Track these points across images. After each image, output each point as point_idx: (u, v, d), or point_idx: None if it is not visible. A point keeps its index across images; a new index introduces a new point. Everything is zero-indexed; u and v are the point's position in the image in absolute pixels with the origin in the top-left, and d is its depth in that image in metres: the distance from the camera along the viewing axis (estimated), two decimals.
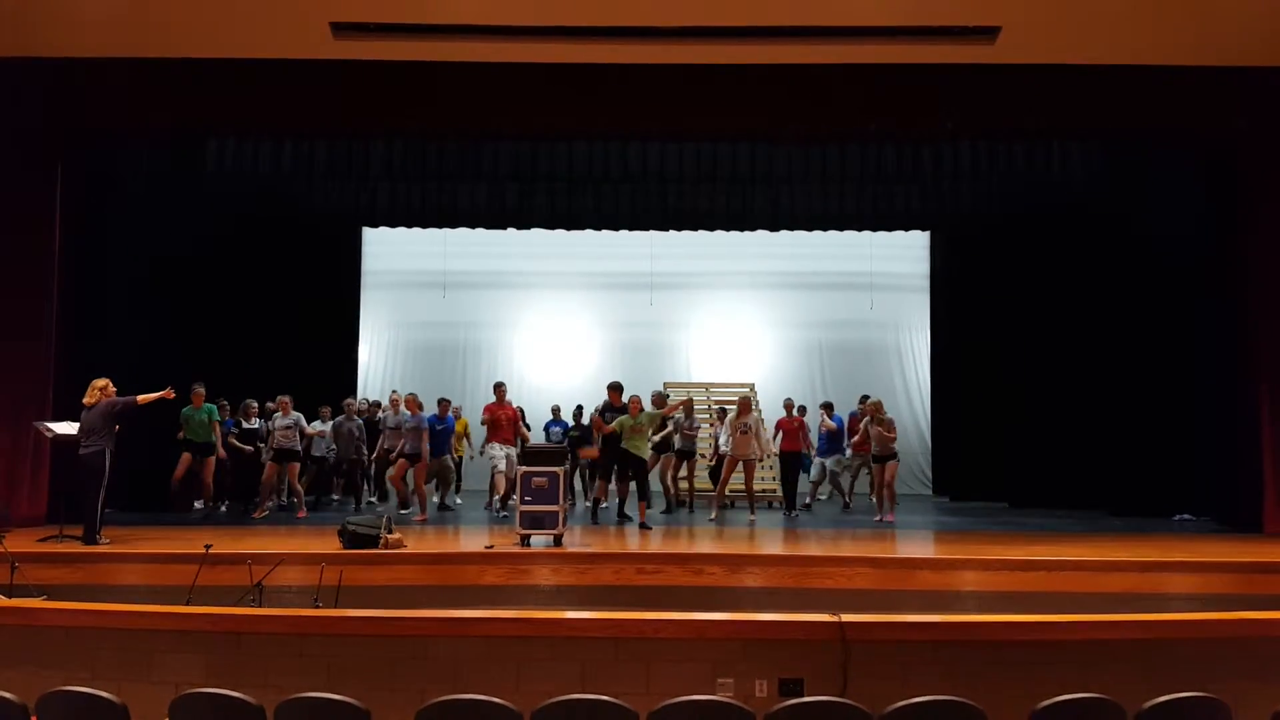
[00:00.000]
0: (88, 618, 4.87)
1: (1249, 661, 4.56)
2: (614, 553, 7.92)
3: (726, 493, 11.08)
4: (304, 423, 10.60)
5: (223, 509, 10.73)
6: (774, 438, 11.31)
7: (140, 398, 8.14)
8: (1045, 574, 7.40)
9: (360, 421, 11.30)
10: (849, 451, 12.11)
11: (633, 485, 9.94)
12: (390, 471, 10.70)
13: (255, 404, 10.97)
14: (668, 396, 11.23)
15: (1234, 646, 4.66)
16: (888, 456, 10.43)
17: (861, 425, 10.98)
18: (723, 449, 10.67)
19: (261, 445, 10.85)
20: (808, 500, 11.98)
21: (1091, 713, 3.40)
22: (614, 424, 9.62)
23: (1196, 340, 10.61)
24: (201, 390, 10.02)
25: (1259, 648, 4.67)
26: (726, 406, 11.60)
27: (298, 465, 10.60)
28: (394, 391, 11.39)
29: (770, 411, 12.39)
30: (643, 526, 9.33)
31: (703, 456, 11.97)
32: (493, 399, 10.53)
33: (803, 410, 11.94)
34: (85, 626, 4.78)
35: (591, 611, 5.39)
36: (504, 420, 10.37)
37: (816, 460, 12.16)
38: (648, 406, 10.97)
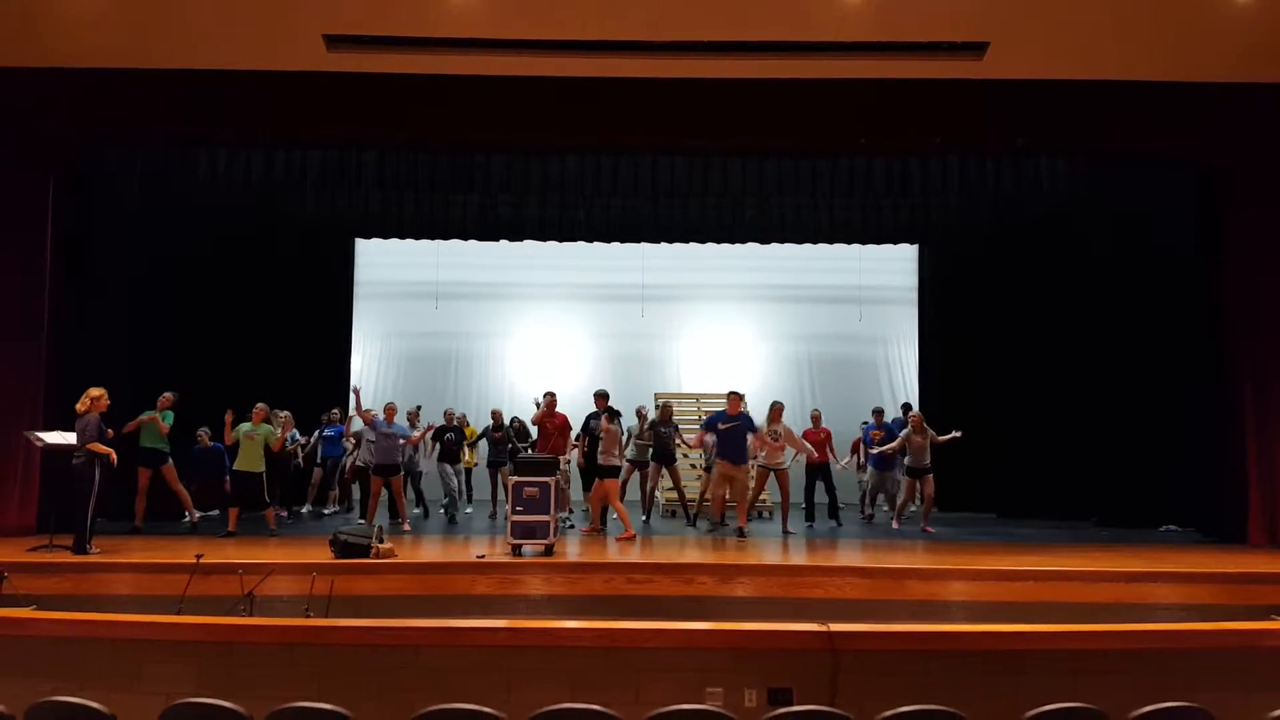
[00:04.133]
0: (77, 627, 4.83)
1: (1234, 672, 4.58)
2: (605, 562, 7.94)
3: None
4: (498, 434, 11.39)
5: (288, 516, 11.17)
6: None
7: (109, 433, 8.17)
8: (1032, 584, 7.45)
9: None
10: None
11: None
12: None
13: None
14: (659, 407, 11.23)
15: (1219, 657, 4.67)
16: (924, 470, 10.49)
17: (901, 436, 10.82)
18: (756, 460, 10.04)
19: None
20: (870, 512, 11.90)
21: None
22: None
23: (1182, 352, 10.69)
24: (169, 396, 9.71)
25: (1244, 658, 4.69)
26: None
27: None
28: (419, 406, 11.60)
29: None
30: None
31: (694, 467, 11.92)
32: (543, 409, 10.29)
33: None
34: (75, 636, 4.74)
35: (582, 621, 5.39)
36: (552, 429, 10.10)
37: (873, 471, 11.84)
38: (631, 420, 10.96)
